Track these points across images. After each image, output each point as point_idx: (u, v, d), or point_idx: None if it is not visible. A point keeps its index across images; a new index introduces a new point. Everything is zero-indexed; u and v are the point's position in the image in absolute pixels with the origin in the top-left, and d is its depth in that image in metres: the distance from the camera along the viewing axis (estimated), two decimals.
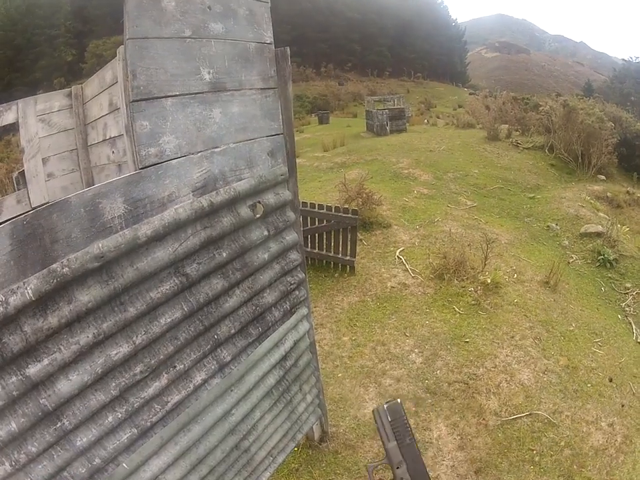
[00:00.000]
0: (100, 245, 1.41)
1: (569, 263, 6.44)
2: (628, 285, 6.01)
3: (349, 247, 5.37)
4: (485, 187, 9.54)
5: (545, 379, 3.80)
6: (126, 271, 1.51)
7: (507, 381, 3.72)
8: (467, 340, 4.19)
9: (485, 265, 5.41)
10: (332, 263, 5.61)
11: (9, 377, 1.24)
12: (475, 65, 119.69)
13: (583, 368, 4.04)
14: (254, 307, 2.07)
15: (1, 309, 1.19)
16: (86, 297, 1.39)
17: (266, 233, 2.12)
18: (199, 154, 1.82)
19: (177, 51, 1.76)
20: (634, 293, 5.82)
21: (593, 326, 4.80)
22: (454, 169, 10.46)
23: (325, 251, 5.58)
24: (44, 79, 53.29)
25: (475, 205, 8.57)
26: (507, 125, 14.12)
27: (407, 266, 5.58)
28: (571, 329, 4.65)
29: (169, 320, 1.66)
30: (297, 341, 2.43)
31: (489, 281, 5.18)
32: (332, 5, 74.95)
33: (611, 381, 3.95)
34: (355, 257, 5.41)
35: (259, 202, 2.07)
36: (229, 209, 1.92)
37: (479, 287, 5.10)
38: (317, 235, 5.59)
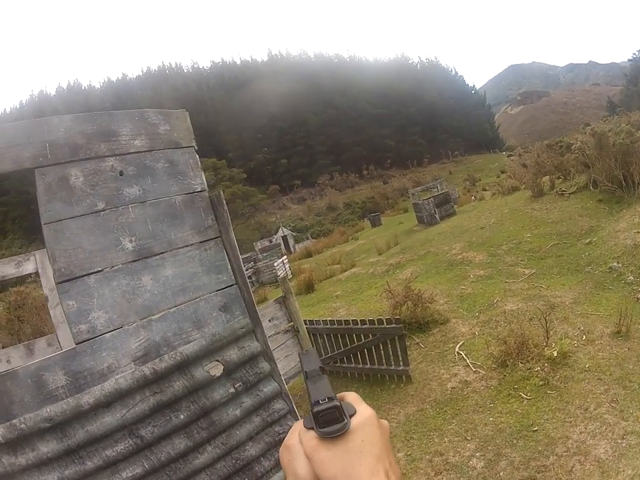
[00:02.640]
0: (48, 410, 1.60)
1: (638, 299, 5.95)
2: None
3: (400, 357, 5.35)
4: (540, 249, 9.28)
5: (623, 445, 3.44)
6: (77, 432, 1.64)
7: (580, 462, 3.41)
8: (535, 428, 3.95)
9: (548, 338, 5.21)
10: (386, 375, 5.56)
11: None
12: (505, 125, 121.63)
13: None
14: (234, 461, 1.98)
15: None
16: (45, 448, 1.59)
17: (232, 390, 2.02)
18: (134, 324, 1.81)
19: (92, 226, 1.76)
20: None
21: None
22: (506, 240, 10.41)
23: (376, 364, 5.57)
24: None
25: (533, 271, 8.31)
26: (548, 176, 13.72)
27: (468, 361, 5.49)
28: None
29: (130, 474, 1.71)
30: None
31: (555, 354, 4.94)
32: (355, 106, 79.99)
33: None
34: (408, 365, 5.37)
35: (218, 360, 2.00)
36: (180, 373, 1.88)
37: (546, 364, 4.89)
38: (365, 350, 5.64)
